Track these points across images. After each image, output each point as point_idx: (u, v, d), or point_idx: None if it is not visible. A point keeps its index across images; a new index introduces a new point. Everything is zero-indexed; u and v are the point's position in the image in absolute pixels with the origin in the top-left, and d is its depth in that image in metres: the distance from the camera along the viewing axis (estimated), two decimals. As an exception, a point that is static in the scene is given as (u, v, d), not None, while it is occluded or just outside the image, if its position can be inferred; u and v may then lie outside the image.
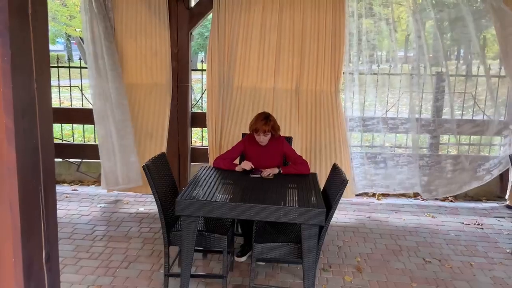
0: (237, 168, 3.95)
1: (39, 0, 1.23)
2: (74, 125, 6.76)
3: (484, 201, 5.82)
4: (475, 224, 5.04)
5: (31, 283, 1.24)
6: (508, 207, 5.56)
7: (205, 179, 3.67)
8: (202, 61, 6.06)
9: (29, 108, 1.20)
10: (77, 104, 8.62)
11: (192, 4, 5.45)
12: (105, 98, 5.12)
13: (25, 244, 1.20)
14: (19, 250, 1.18)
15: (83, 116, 5.82)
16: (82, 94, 6.10)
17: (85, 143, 6.98)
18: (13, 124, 1.14)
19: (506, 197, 5.66)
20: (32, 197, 1.24)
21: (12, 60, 1.12)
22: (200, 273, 3.75)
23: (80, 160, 6.00)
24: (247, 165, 3.93)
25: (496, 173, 5.46)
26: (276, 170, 3.90)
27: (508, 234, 4.76)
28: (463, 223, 5.05)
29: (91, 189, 5.83)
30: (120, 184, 5.30)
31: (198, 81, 10.04)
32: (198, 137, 8.18)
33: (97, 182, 5.97)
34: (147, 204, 5.36)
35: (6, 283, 1.20)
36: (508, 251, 4.36)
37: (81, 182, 6.05)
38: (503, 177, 5.72)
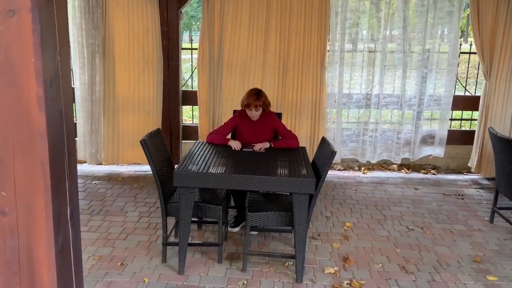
0: (229, 143, 4.10)
1: (61, -19, 1.36)
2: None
3: (464, 173, 6.08)
4: (456, 194, 5.29)
5: (60, 234, 1.39)
6: (488, 178, 5.82)
7: (199, 153, 3.81)
8: (191, 40, 6.08)
9: (55, 78, 1.33)
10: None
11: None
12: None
13: (54, 200, 1.35)
14: (49, 206, 1.33)
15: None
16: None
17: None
18: (43, 92, 1.28)
19: (470, 164, 5.88)
20: (59, 159, 1.38)
21: (41, 34, 1.25)
22: (197, 242, 3.93)
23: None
24: (236, 145, 4.04)
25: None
26: (267, 144, 4.05)
27: (486, 203, 5.01)
28: (444, 194, 5.30)
29: (84, 167, 5.92)
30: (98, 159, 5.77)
31: (184, 61, 10.06)
32: (188, 116, 8.28)
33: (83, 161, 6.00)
34: (141, 181, 5.49)
35: (39, 234, 1.35)
36: (486, 219, 4.61)
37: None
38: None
